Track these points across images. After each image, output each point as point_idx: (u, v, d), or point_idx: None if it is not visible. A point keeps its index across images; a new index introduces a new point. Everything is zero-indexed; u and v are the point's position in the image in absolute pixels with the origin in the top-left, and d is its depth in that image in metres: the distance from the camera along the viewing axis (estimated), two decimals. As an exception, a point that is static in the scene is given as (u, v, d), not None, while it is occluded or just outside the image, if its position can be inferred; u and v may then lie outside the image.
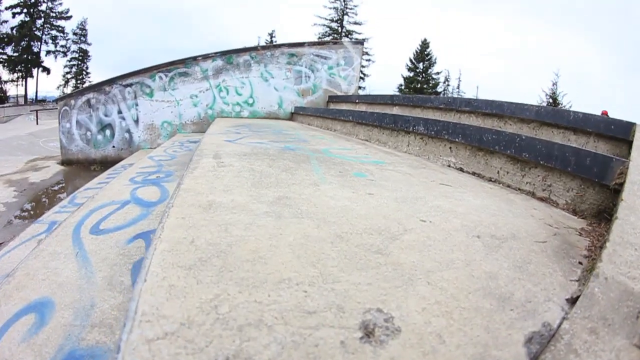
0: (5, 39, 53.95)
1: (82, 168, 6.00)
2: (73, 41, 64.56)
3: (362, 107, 5.41)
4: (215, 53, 6.07)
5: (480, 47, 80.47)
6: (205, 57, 6.01)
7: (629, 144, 2.08)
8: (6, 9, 53.65)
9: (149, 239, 1.69)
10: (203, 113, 5.93)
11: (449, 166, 2.58)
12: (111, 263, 1.53)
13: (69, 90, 59.79)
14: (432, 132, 2.77)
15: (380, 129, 3.54)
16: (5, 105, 41.89)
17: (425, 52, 51.57)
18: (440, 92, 51.82)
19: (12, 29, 54.72)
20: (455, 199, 1.60)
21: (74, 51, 64.08)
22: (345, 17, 58.28)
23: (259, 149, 2.33)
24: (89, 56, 66.37)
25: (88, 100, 6.01)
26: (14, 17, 55.35)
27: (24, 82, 56.56)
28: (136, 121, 5.91)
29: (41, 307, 1.31)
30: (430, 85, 51.53)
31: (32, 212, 4.26)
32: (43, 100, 53.51)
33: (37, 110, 24.43)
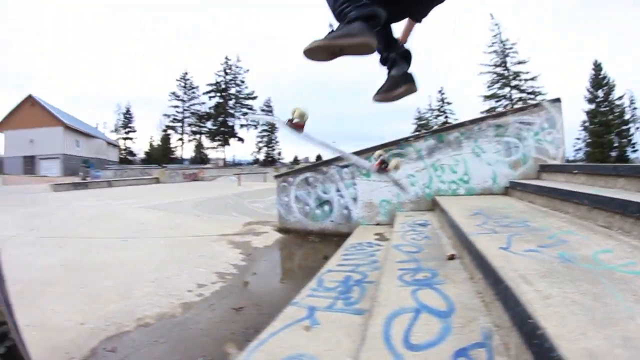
0: (206, 116, 72.96)
1: (298, 237, 6.39)
2: None
3: (582, 179, 4.86)
4: (426, 132, 6.13)
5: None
6: (417, 137, 6.09)
7: None
8: (203, 94, 73.42)
9: (469, 357, 1.61)
10: (421, 192, 5.92)
11: None
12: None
13: (261, 156, 72.00)
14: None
15: (621, 215, 3.10)
16: (207, 166, 51.86)
17: (601, 76, 46.24)
18: (630, 120, 45.10)
19: (209, 108, 73.58)
20: None
21: (263, 124, 75.25)
22: (508, 59, 56.45)
23: (548, 264, 2.09)
24: (276, 127, 76.13)
25: (306, 179, 6.51)
26: (210, 99, 72.40)
27: (222, 149, 70.14)
28: (354, 199, 6.14)
29: None
30: (616, 114, 45.61)
31: (267, 281, 4.51)
32: (239, 164, 64.67)
33: (239, 174, 27.48)
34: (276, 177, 6.96)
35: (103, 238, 6.23)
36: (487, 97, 63.23)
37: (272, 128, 78.67)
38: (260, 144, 78.31)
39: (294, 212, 6.63)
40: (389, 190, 6.01)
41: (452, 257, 3.04)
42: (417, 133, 6.33)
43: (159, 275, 4.61)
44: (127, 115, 76.00)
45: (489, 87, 62.98)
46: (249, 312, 3.55)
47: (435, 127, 7.82)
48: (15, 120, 46.73)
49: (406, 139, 6.13)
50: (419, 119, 79.17)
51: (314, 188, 6.47)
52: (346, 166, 6.25)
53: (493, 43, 59.86)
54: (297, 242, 6.11)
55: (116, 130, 76.80)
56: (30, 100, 50.51)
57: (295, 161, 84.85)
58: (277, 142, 79.33)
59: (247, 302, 3.75)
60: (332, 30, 2.10)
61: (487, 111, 61.06)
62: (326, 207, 6.37)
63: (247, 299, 3.86)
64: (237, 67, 75.09)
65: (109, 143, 63.84)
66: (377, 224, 5.98)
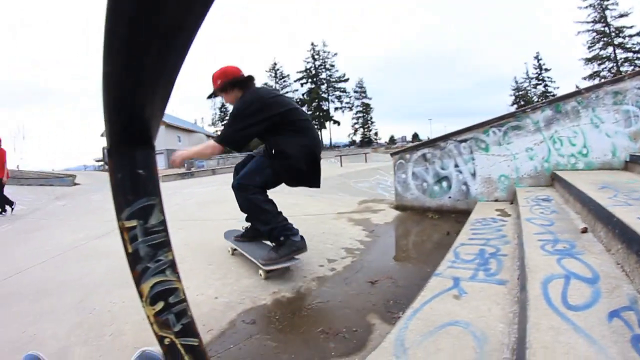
0: (300, 102, 75.62)
1: (416, 214, 6.54)
2: (355, 98, 77.43)
3: None
4: (542, 103, 5.95)
5: None
6: (534, 108, 5.95)
7: None
8: (294, 81, 78.91)
9: (621, 317, 1.78)
10: (539, 166, 5.82)
11: None
12: (611, 339, 1.62)
13: (358, 137, 73.85)
14: None
15: None
16: None
17: None
18: None
19: (302, 94, 78.38)
20: None
21: (357, 106, 76.69)
22: (607, 12, 51.08)
23: None
24: (371, 108, 77.55)
25: (423, 155, 6.63)
26: (302, 86, 75.73)
27: (319, 132, 73.54)
28: (473, 174, 6.18)
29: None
30: None
31: (395, 255, 4.62)
32: (336, 146, 67.57)
33: (340, 156, 28.40)
34: (392, 154, 7.09)
35: (219, 220, 6.53)
36: (589, 60, 57.26)
37: (366, 108, 79.33)
38: (356, 126, 79.37)
39: (411, 189, 6.79)
40: (508, 165, 5.97)
41: (585, 230, 3.13)
42: (534, 104, 6.15)
43: (286, 251, 4.84)
44: (223, 110, 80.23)
45: (589, 47, 57.45)
46: (385, 284, 3.62)
47: (554, 97, 7.28)
48: (120, 126, 50.91)
49: (523, 110, 6.02)
50: (517, 89, 74.76)
51: (432, 164, 6.56)
52: (464, 140, 6.27)
53: (587, -3, 54.47)
54: (416, 218, 6.25)
55: (214, 124, 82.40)
56: (131, 107, 56.30)
57: (392, 141, 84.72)
58: (372, 122, 79.90)
59: (381, 276, 3.83)
60: (280, 241, 3.85)
61: (590, 76, 56.13)
62: (444, 183, 6.46)
63: (380, 273, 3.93)
64: (324, 51, 76.95)
65: (208, 136, 67.56)
66: (496, 200, 5.97)
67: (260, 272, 3.89)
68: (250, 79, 3.88)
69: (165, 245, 1.19)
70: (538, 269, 2.44)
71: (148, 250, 1.15)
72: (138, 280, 1.15)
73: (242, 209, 3.92)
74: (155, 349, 1.35)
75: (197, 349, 1.26)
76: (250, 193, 3.72)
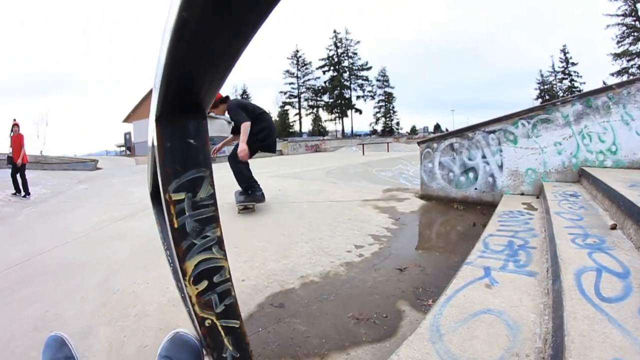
0: (322, 90, 76.98)
1: (441, 204, 6.53)
2: (377, 86, 77.12)
3: None
4: (573, 97, 5.84)
5: None
6: (564, 101, 5.85)
7: None
8: (316, 69, 77.78)
9: None
10: (567, 162, 5.73)
11: None
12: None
13: (379, 127, 73.80)
14: None
15: None
16: (326, 138, 55.60)
17: None
18: None
19: (324, 82, 77.30)
20: None
21: (379, 94, 76.35)
22: (638, 6, 49.42)
23: None
24: (393, 97, 77.24)
25: (451, 145, 6.60)
26: (324, 74, 76.25)
27: (340, 121, 73.23)
28: (500, 167, 6.12)
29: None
30: None
31: (422, 244, 4.68)
32: (357, 135, 67.57)
33: (363, 144, 28.55)
34: (419, 143, 7.07)
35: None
36: (617, 56, 54.71)
37: (388, 97, 78.99)
38: (378, 115, 79.17)
39: (437, 179, 6.77)
40: (535, 159, 5.89)
41: (614, 227, 3.13)
42: (564, 97, 6.09)
43: (313, 236, 4.84)
44: (244, 97, 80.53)
45: (618, 42, 55.44)
46: (413, 272, 3.64)
47: (585, 92, 7.01)
48: (140, 112, 50.60)
49: (553, 104, 5.92)
50: (542, 83, 73.31)
51: (459, 154, 6.51)
52: (493, 132, 6.19)
53: (617, -13, 52.34)
54: (441, 209, 6.25)
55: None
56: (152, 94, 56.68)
57: (414, 131, 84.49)
58: (394, 112, 79.64)
59: (409, 263, 3.86)
60: (249, 193, 6.16)
61: (619, 72, 54.51)
62: (471, 174, 6.42)
63: (407, 260, 3.96)
64: (347, 39, 76.74)
65: (229, 122, 67.86)
66: (522, 194, 5.91)
67: (236, 208, 6.16)
68: (228, 97, 6.04)
69: (214, 220, 1.12)
70: (571, 260, 2.49)
71: (195, 225, 1.09)
72: (182, 258, 1.09)
73: (233, 173, 5.99)
74: (188, 330, 1.31)
75: (237, 331, 1.23)
76: (237, 162, 5.79)
